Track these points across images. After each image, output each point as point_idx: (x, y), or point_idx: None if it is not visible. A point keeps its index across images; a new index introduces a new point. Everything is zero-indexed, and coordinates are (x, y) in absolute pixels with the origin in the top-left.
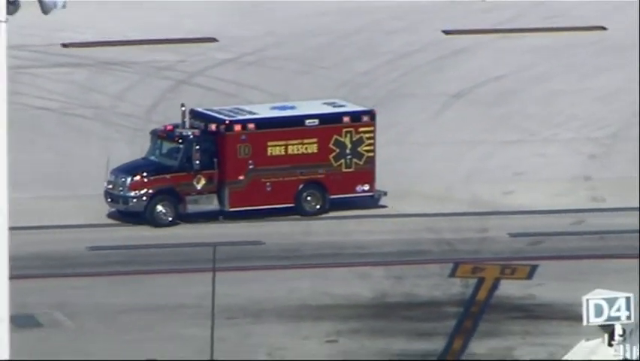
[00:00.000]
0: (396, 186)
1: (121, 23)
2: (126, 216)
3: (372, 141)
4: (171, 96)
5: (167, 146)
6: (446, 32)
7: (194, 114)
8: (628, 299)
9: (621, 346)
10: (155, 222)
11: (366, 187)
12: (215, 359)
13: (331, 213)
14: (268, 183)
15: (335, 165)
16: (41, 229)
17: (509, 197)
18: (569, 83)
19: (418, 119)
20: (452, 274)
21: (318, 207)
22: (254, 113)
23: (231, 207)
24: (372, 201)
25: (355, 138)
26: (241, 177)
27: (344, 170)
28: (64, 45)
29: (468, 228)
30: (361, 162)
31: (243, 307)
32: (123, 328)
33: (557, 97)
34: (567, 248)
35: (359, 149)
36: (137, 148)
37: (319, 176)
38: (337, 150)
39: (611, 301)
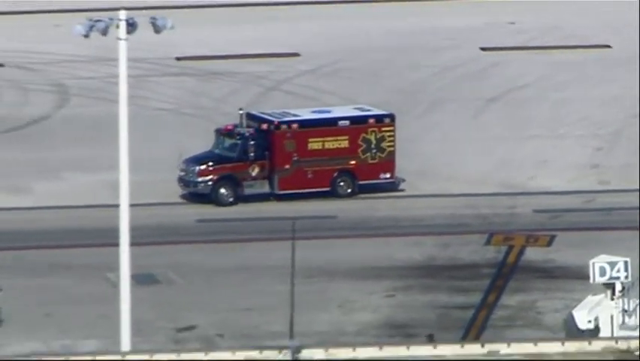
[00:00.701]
0: (443, 173)
1: (224, 40)
2: (195, 197)
3: (392, 138)
4: (263, 100)
5: (228, 141)
6: (483, 49)
7: (250, 116)
8: (626, 263)
9: (620, 300)
10: (219, 202)
11: (388, 175)
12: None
13: (390, 193)
14: (309, 171)
15: (362, 157)
16: (159, 205)
17: (533, 181)
18: (580, 91)
19: (460, 119)
20: (487, 243)
21: (349, 190)
22: (297, 116)
23: (280, 191)
24: (392, 185)
25: (379, 136)
26: (287, 167)
27: (370, 161)
28: (178, 58)
29: (500, 205)
30: (384, 155)
31: (319, 268)
32: (222, 284)
33: (570, 102)
34: (579, 222)
35: (382, 145)
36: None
37: (350, 166)
38: (364, 146)
39: (612, 264)
